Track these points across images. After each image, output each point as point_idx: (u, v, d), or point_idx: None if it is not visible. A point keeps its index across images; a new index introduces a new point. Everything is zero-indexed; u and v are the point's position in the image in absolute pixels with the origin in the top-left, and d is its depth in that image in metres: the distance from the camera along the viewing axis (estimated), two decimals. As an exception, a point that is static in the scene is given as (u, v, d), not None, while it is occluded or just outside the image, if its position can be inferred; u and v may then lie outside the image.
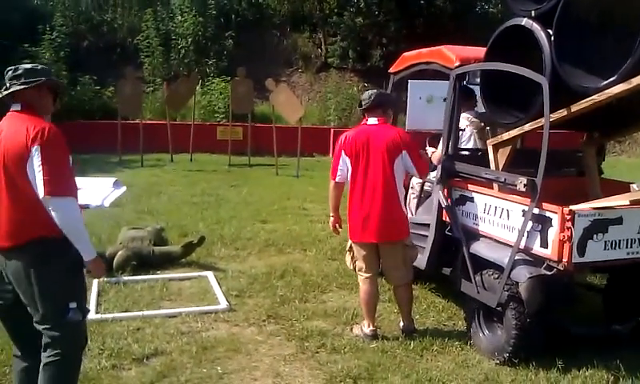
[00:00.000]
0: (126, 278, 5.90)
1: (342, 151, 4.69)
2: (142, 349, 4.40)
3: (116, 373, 4.09)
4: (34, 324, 3.10)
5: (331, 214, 4.96)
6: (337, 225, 4.97)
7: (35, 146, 2.91)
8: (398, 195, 4.68)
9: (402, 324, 4.85)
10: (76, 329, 3.14)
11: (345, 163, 4.69)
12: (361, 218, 4.65)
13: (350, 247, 4.89)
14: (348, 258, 4.98)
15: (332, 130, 15.98)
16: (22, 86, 3.10)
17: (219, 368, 4.20)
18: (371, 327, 4.74)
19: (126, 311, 5.11)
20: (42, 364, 3.10)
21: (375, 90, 4.86)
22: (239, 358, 4.37)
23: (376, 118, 4.74)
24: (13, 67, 3.17)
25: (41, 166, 2.90)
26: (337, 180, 4.78)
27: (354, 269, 4.91)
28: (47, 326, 3.07)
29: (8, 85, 3.13)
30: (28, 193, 2.95)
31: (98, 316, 4.91)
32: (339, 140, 4.76)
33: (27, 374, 3.24)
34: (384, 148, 4.61)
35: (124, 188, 3.76)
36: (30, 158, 2.92)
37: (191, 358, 4.31)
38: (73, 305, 3.08)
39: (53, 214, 2.94)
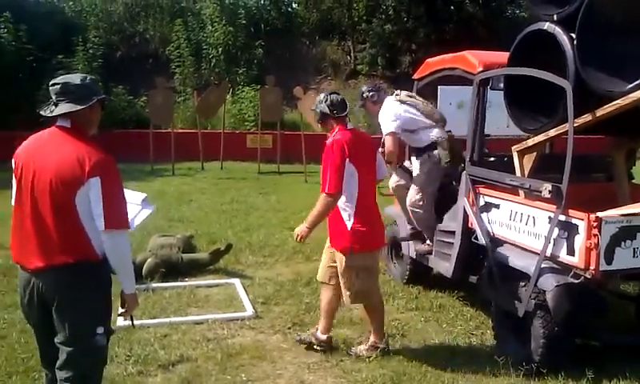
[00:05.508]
0: (154, 285, 5.99)
1: (347, 159, 4.26)
2: (168, 355, 4.46)
3: (142, 379, 4.15)
4: (55, 340, 3.01)
5: (308, 227, 4.36)
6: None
7: (95, 178, 2.83)
8: None
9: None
10: (98, 352, 3.06)
11: (349, 172, 4.28)
12: (371, 224, 4.42)
13: (356, 269, 4.37)
14: (347, 293, 4.42)
15: (361, 137, 15.96)
16: (78, 107, 2.94)
17: (243, 375, 4.23)
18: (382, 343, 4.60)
19: (153, 318, 5.19)
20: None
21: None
22: (264, 365, 4.39)
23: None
24: (59, 81, 2.98)
25: (101, 200, 2.84)
26: (341, 192, 4.28)
27: (353, 298, 4.45)
28: (70, 349, 2.97)
29: (56, 100, 2.96)
30: (72, 216, 2.88)
31: (126, 322, 4.95)
32: (338, 149, 4.25)
33: None
34: (373, 150, 4.59)
35: (152, 208, 3.62)
36: (85, 186, 2.84)
37: (216, 364, 4.35)
38: (100, 330, 3.01)
39: (106, 245, 2.92)
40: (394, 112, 5.46)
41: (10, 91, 15.12)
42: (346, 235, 4.35)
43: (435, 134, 5.51)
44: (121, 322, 4.88)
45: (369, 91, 5.69)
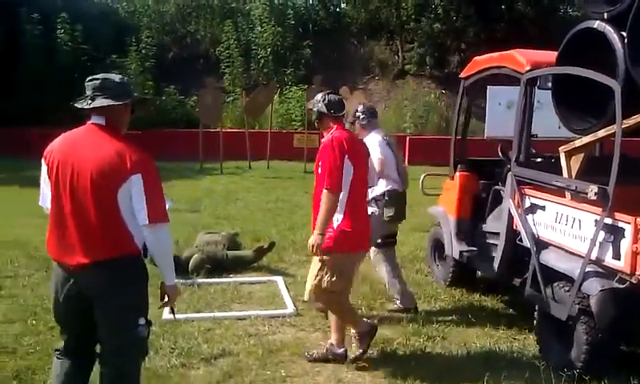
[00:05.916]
0: (200, 280, 6.13)
1: (346, 157, 4.20)
2: (210, 349, 4.55)
3: (185, 371, 4.24)
4: (97, 335, 3.07)
5: (320, 233, 4.13)
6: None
7: (136, 175, 2.90)
8: None
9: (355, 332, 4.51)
10: (139, 344, 3.11)
11: (347, 170, 4.20)
12: (358, 226, 4.30)
13: (331, 267, 4.24)
14: (314, 287, 4.31)
15: (407, 138, 15.86)
16: (116, 102, 3.01)
17: (283, 371, 4.28)
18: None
19: (198, 312, 5.30)
20: (102, 377, 3.08)
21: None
22: (303, 362, 4.43)
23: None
24: (98, 77, 3.05)
25: (144, 196, 2.91)
26: (341, 188, 4.19)
27: (320, 297, 4.39)
28: (113, 342, 3.04)
29: (92, 95, 3.01)
30: (114, 211, 2.93)
31: (171, 316, 5.08)
32: (337, 147, 4.18)
33: (71, 378, 3.18)
34: (367, 154, 4.61)
35: (170, 202, 3.66)
36: (127, 183, 2.90)
37: (257, 359, 4.42)
38: (142, 321, 3.07)
39: (149, 239, 2.99)
40: (381, 143, 5.30)
41: (67, 91, 15.62)
42: (331, 233, 4.23)
43: (391, 187, 5.31)
44: (166, 315, 5.02)
45: (362, 113, 5.44)
